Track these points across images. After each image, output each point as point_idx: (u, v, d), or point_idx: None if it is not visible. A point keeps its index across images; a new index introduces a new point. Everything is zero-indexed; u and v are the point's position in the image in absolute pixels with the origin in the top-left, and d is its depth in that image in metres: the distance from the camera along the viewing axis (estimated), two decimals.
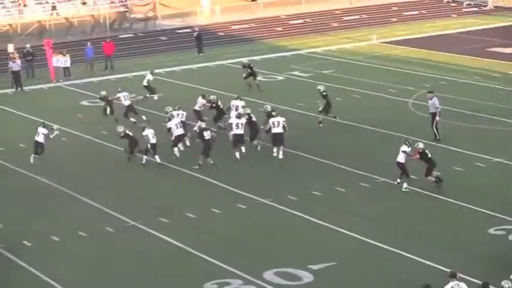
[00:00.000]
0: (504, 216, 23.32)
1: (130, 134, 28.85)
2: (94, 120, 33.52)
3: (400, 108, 34.48)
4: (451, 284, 17.63)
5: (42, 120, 30.52)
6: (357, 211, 24.43)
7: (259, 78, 38.30)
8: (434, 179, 25.44)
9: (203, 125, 28.79)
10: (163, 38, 50.07)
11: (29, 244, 23.01)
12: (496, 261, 20.81)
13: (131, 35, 50.57)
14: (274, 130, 28.57)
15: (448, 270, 18.58)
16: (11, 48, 43.24)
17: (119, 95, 33.43)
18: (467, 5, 56.61)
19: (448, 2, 57.31)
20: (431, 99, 30.01)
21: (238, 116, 29.37)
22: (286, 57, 45.10)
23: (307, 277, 20.44)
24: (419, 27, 50.91)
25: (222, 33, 51.06)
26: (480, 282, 17.82)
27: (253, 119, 29.65)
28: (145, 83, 36.75)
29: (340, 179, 26.78)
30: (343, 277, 20.50)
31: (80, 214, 25.05)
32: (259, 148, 29.50)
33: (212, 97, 32.04)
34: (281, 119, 28.77)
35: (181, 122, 29.65)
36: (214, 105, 31.74)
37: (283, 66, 42.66)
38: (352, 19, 53.61)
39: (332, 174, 27.31)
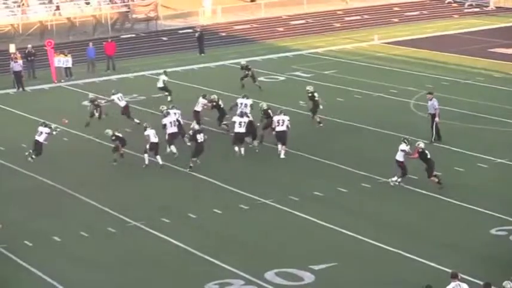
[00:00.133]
0: (506, 217, 23.30)
1: (120, 135, 28.82)
2: (95, 121, 33.49)
3: (401, 108, 34.46)
4: (453, 284, 17.63)
5: (42, 120, 30.50)
6: (358, 211, 24.42)
7: (260, 78, 38.28)
8: (437, 180, 25.44)
9: (196, 127, 28.78)
10: (164, 39, 50.07)
11: (31, 244, 23.01)
12: (497, 261, 20.80)
13: (133, 35, 50.56)
14: (279, 128, 28.80)
15: (450, 270, 18.57)
16: (12, 48, 43.24)
17: (113, 97, 33.39)
18: (468, 5, 56.57)
19: (449, 2, 57.26)
20: (430, 100, 30.04)
21: (241, 115, 29.42)
22: (287, 58, 45.09)
23: (308, 277, 20.44)
24: (421, 28, 50.88)
25: (224, 34, 51.05)
26: (482, 283, 17.80)
27: (250, 118, 29.70)
28: (160, 84, 36.63)
29: (341, 179, 26.77)
30: (344, 277, 20.49)
31: (82, 214, 25.05)
32: (257, 149, 29.49)
33: (213, 96, 32.07)
34: (285, 118, 28.96)
35: (177, 120, 29.67)
36: (215, 104, 31.76)
37: (285, 67, 42.64)
38: (354, 19, 53.59)
39: (334, 175, 27.30)
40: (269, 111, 29.90)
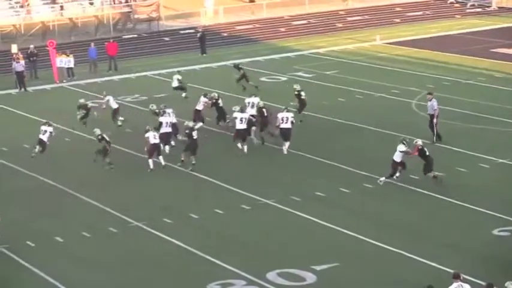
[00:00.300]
0: (508, 217, 23.28)
1: (107, 138, 28.80)
2: (97, 121, 33.48)
3: (403, 109, 34.45)
4: (455, 285, 17.59)
5: (45, 120, 30.52)
6: (360, 212, 24.42)
7: (262, 79, 38.28)
8: (433, 175, 25.57)
9: (191, 124, 28.90)
10: (166, 39, 50.08)
11: (33, 244, 23.03)
12: (500, 262, 20.78)
13: (135, 36, 50.57)
14: (283, 125, 28.99)
15: (451, 271, 18.56)
16: (14, 48, 43.26)
17: (108, 97, 33.32)
18: (471, 5, 56.54)
19: (451, 2, 57.24)
20: (430, 100, 30.09)
21: (242, 111, 29.55)
22: (289, 58, 45.09)
23: (310, 278, 20.44)
24: (423, 28, 50.86)
25: (226, 34, 51.06)
26: (484, 283, 17.78)
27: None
28: (175, 83, 36.68)
29: (343, 179, 26.77)
30: (346, 278, 20.49)
31: (84, 214, 25.06)
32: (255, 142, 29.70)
33: (213, 94, 32.20)
34: (289, 115, 29.20)
35: (171, 123, 29.68)
36: (214, 101, 31.83)
37: (287, 67, 42.65)
38: (356, 20, 53.58)
39: (335, 175, 27.30)
40: (263, 109, 30.19)
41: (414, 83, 38.06)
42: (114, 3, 51.05)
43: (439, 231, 22.83)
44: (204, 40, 46.95)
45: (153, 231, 23.58)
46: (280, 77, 40.65)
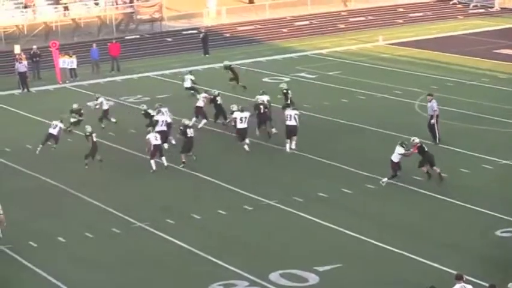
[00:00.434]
0: (510, 218, 23.24)
1: (94, 138, 28.80)
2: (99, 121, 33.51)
3: (405, 109, 34.42)
4: (458, 286, 17.57)
5: (48, 122, 30.61)
6: (362, 212, 24.40)
7: (265, 79, 38.29)
8: (426, 170, 25.71)
9: (187, 121, 28.97)
10: (169, 40, 50.08)
11: (35, 245, 23.04)
12: (502, 263, 20.75)
13: (137, 36, 50.57)
14: (288, 123, 29.27)
15: (455, 272, 18.54)
16: (17, 49, 43.29)
17: (100, 99, 33.29)
18: (473, 6, 56.48)
19: (454, 3, 57.20)
20: (430, 101, 30.15)
21: (242, 110, 29.71)
22: (292, 59, 45.07)
23: (312, 279, 20.43)
24: (425, 29, 50.82)
25: (228, 35, 51.05)
26: (487, 285, 17.78)
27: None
28: (188, 84, 36.75)
29: (345, 180, 26.76)
30: (348, 279, 20.47)
31: (86, 215, 25.07)
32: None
33: (213, 91, 32.32)
34: (293, 112, 29.43)
35: (166, 121, 29.77)
36: (213, 97, 31.97)
37: (289, 68, 42.63)
38: (358, 20, 53.55)
39: (338, 176, 27.29)
40: (261, 106, 30.37)
41: (417, 83, 38.02)
42: (117, 4, 51.08)
43: (441, 232, 22.80)
44: (207, 41, 46.95)
45: (155, 231, 23.58)
46: (283, 78, 40.60)
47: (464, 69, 40.85)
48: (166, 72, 42.80)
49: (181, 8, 54.98)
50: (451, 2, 57.28)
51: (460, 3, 57.22)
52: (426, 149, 26.04)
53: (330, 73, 41.14)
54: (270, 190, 26.16)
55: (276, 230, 23.52)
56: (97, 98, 33.41)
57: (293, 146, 29.36)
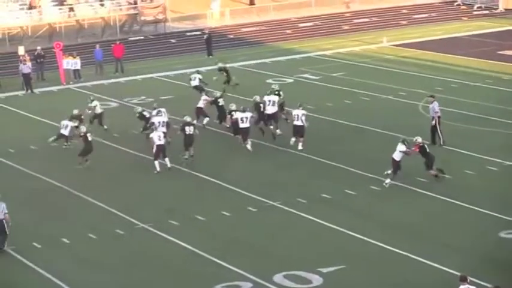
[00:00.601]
0: None
1: (89, 139, 28.81)
2: (105, 123, 33.51)
3: (409, 111, 34.38)
4: (462, 287, 17.55)
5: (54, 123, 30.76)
6: (366, 214, 24.36)
7: (268, 81, 38.27)
8: (435, 173, 25.74)
9: (188, 118, 29.01)
10: (173, 41, 50.12)
11: (39, 246, 23.03)
12: (507, 264, 20.70)
13: (141, 38, 50.63)
14: (295, 123, 29.52)
15: (459, 273, 18.49)
16: (21, 50, 43.33)
17: (94, 102, 33.26)
18: (477, 7, 56.45)
19: (458, 4, 57.17)
20: (431, 103, 30.15)
21: (243, 110, 29.84)
22: (295, 60, 45.06)
23: (317, 280, 20.39)
24: (430, 30, 50.79)
25: (232, 36, 51.07)
26: (491, 286, 17.73)
27: (235, 116, 30.17)
28: (196, 82, 36.71)
29: (349, 181, 26.73)
30: (352, 280, 20.43)
31: (90, 216, 25.06)
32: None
33: (215, 93, 32.54)
34: (300, 112, 29.53)
35: (164, 122, 29.86)
36: (214, 99, 32.04)
37: (293, 69, 42.62)
38: (362, 22, 53.54)
39: (342, 177, 27.25)
40: (260, 105, 30.60)
41: (421, 85, 37.97)
42: (121, 5, 51.12)
43: (445, 234, 22.75)
44: (211, 42, 46.97)
45: (159, 232, 23.56)
46: (287, 79, 40.62)
47: (468, 71, 40.81)
48: (170, 73, 42.80)
49: (185, 10, 55.01)
50: (455, 3, 57.24)
51: (464, 4, 57.20)
52: (428, 150, 26.04)
53: (334, 74, 41.12)
54: (274, 191, 26.13)
55: (280, 231, 23.49)
56: (92, 101, 33.34)
57: (300, 147, 29.41)
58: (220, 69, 38.17)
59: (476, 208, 24.26)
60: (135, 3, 51.43)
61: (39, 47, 43.28)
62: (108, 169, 28.99)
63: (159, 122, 29.66)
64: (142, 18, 51.73)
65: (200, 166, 28.44)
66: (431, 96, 30.84)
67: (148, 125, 30.63)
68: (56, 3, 49.83)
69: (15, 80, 41.51)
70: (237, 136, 30.17)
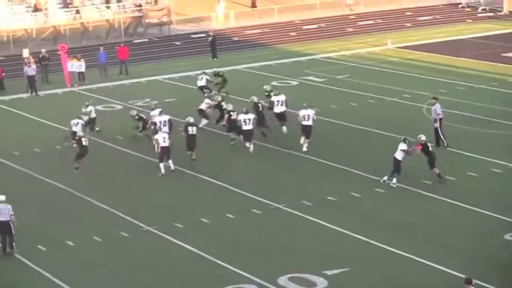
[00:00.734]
0: None
1: (84, 143, 28.81)
2: (104, 125, 33.54)
3: (414, 113, 34.36)
4: None
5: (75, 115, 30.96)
6: (371, 216, 24.34)
7: (273, 83, 38.26)
8: (438, 172, 25.72)
9: (191, 119, 29.21)
10: (177, 43, 50.15)
11: (44, 249, 23.04)
12: (510, 267, 20.66)
13: (146, 40, 50.68)
14: (305, 123, 29.62)
15: (463, 276, 18.48)
16: (26, 53, 43.39)
17: (90, 107, 33.26)
18: (482, 10, 56.40)
19: (462, 7, 57.12)
20: (434, 105, 30.15)
21: (246, 112, 29.92)
22: (300, 62, 45.06)
23: (321, 283, 20.38)
24: (434, 33, 50.75)
25: (236, 38, 51.08)
26: None
27: (233, 116, 30.31)
28: (203, 82, 36.69)
29: (355, 184, 26.71)
30: (357, 283, 20.42)
31: (95, 219, 25.07)
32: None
33: (216, 97, 32.75)
34: (311, 112, 29.61)
35: (165, 121, 29.98)
36: (217, 103, 32.25)
37: (298, 71, 42.62)
38: (367, 24, 53.53)
39: (347, 180, 27.24)
40: (259, 105, 30.71)
41: (426, 87, 37.95)
42: (126, 8, 51.19)
43: (449, 236, 22.73)
44: (215, 44, 46.98)
45: (164, 235, 23.56)
46: (291, 82, 40.62)
47: (473, 73, 40.77)
48: (175, 75, 42.82)
49: (189, 12, 55.05)
50: (459, 6, 57.19)
51: (468, 6, 57.16)
52: (430, 149, 26.10)
53: (339, 77, 41.11)
54: (279, 194, 26.13)
55: (284, 233, 23.48)
56: (87, 106, 33.32)
57: (304, 149, 29.47)
58: (215, 74, 38.13)
59: (480, 210, 24.24)
60: (140, 5, 51.50)
61: (43, 50, 43.33)
62: (112, 171, 29.00)
63: (161, 122, 29.71)
64: (147, 20, 51.77)
65: (204, 168, 28.45)
66: (434, 98, 30.85)
67: (148, 126, 30.68)
68: (62, 5, 49.90)
69: (20, 82, 41.54)
70: (234, 135, 30.23)
